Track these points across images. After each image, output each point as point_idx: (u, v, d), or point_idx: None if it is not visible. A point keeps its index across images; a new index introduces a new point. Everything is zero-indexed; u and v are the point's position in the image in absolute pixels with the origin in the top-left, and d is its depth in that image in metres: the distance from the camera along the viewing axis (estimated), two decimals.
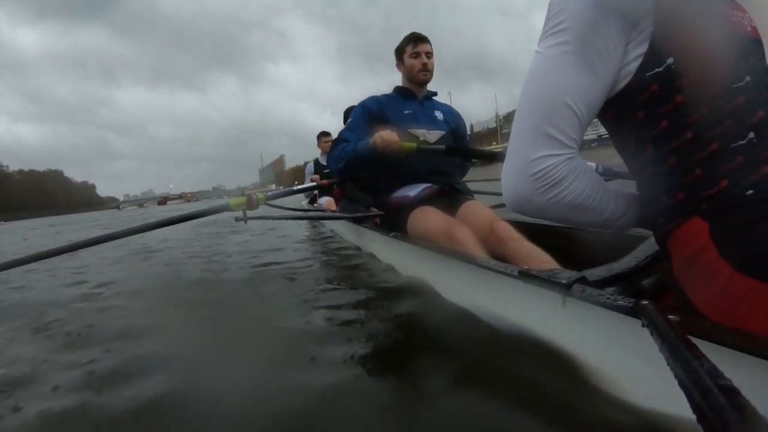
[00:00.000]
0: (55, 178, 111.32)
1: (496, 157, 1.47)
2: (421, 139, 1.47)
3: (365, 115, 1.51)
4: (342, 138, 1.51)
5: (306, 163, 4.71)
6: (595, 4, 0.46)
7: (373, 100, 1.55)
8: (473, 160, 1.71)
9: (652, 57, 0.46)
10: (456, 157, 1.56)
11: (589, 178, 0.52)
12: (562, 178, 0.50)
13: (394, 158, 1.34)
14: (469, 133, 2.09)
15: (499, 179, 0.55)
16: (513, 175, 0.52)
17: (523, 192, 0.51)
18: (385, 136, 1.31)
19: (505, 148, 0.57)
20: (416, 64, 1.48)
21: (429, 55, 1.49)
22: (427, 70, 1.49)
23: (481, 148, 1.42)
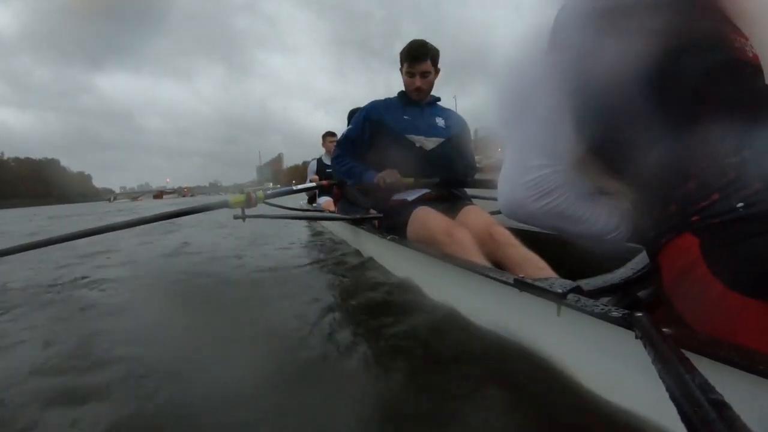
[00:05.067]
0: (51, 167, 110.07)
1: (489, 185, 1.52)
2: (416, 145, 1.49)
3: (364, 122, 1.54)
4: (342, 144, 1.63)
5: (305, 162, 4.72)
6: (593, 28, 0.47)
7: (374, 106, 1.57)
8: (477, 166, 1.72)
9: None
10: (458, 164, 1.57)
11: (582, 191, 0.53)
12: (554, 188, 0.51)
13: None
14: (472, 139, 2.09)
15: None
16: (508, 181, 0.54)
17: (516, 198, 0.53)
18: (387, 178, 1.43)
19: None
20: (410, 84, 1.50)
21: (425, 74, 1.47)
22: (420, 91, 1.49)
23: (477, 178, 1.50)
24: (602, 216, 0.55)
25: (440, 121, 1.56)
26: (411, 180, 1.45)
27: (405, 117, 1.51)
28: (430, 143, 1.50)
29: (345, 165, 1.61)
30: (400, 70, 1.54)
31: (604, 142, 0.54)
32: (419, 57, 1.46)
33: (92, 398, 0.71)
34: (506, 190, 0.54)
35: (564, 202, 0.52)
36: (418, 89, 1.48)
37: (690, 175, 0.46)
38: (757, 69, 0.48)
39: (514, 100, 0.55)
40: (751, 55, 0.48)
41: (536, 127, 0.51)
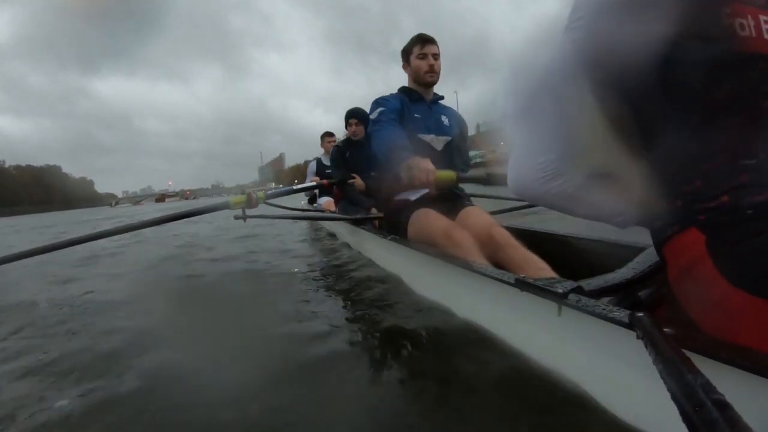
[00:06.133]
0: (52, 173, 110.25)
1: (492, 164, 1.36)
2: (429, 145, 1.46)
3: (394, 107, 1.46)
4: (388, 113, 1.43)
5: (306, 162, 4.71)
6: (611, 13, 0.46)
7: (393, 97, 1.52)
8: (475, 161, 1.71)
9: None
10: (457, 163, 1.57)
11: (591, 174, 0.53)
12: (564, 172, 0.51)
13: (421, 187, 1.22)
14: (474, 133, 2.10)
15: (499, 185, 0.56)
16: (518, 163, 0.54)
17: (526, 180, 0.54)
18: (420, 166, 1.15)
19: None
20: (423, 65, 1.47)
21: (436, 56, 1.49)
22: (434, 72, 1.49)
23: (477, 154, 1.39)
24: (610, 200, 0.55)
25: (446, 120, 1.55)
26: (453, 176, 1.19)
27: (416, 115, 1.49)
28: (439, 143, 1.48)
29: (387, 132, 1.34)
30: (405, 65, 1.53)
31: (621, 118, 0.53)
32: (429, 39, 1.48)
33: (93, 397, 0.72)
34: (516, 171, 0.55)
35: (573, 185, 0.52)
36: (431, 69, 1.47)
37: (699, 172, 0.45)
38: None
39: (528, 83, 0.55)
40: None
41: (549, 110, 0.51)
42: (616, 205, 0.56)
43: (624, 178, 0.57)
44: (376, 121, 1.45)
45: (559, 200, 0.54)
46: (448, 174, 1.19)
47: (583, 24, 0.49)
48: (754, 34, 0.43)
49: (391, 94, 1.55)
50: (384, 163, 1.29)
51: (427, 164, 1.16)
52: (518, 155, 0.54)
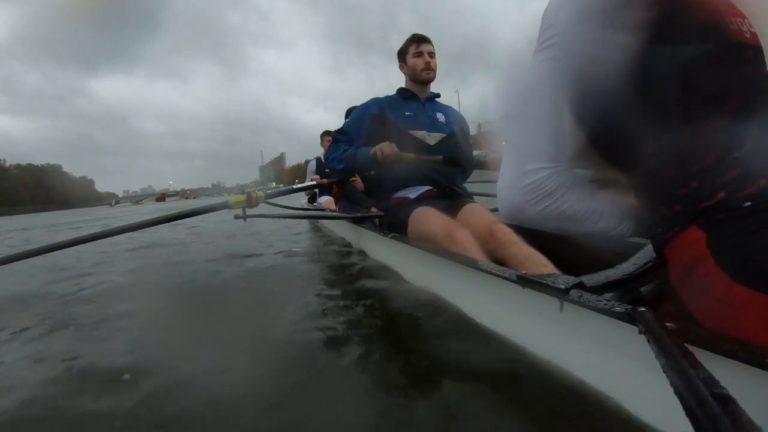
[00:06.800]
0: (53, 172, 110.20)
1: (493, 165, 1.49)
2: (420, 141, 1.48)
3: (366, 116, 1.54)
4: (339, 136, 1.58)
5: (307, 161, 4.70)
6: (581, 23, 0.46)
7: (375, 102, 1.58)
8: (475, 162, 1.71)
9: None
10: (459, 160, 1.57)
11: (581, 190, 0.53)
12: (553, 190, 0.51)
13: (392, 165, 1.41)
14: (475, 132, 2.13)
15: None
16: (506, 186, 0.54)
17: (516, 203, 0.53)
18: (385, 149, 1.38)
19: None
20: (419, 63, 1.50)
21: (432, 54, 1.52)
22: (430, 69, 1.51)
23: (479, 154, 1.48)
24: (604, 213, 0.55)
25: (441, 117, 1.57)
26: (412, 156, 1.41)
27: (407, 113, 1.52)
28: (432, 139, 1.50)
29: (335, 152, 1.55)
30: (402, 65, 1.56)
31: (604, 137, 0.53)
32: (424, 38, 1.51)
33: (93, 398, 0.72)
34: (505, 196, 0.54)
35: (564, 203, 0.52)
36: (428, 66, 1.50)
37: (692, 173, 0.45)
38: (757, 49, 0.45)
39: (510, 102, 0.55)
40: (748, 35, 0.45)
41: (533, 129, 0.51)
42: (610, 219, 0.56)
43: (615, 190, 0.57)
44: (330, 149, 1.62)
45: (551, 221, 0.53)
46: (408, 156, 1.43)
47: (558, 41, 0.49)
48: (736, 27, 0.45)
49: (376, 98, 1.60)
50: (351, 168, 1.54)
51: (389, 148, 1.39)
52: (506, 178, 0.54)
